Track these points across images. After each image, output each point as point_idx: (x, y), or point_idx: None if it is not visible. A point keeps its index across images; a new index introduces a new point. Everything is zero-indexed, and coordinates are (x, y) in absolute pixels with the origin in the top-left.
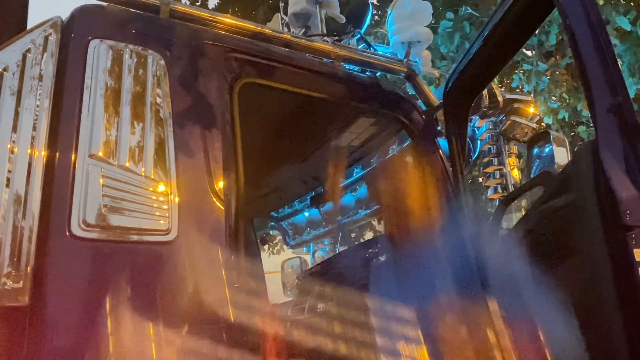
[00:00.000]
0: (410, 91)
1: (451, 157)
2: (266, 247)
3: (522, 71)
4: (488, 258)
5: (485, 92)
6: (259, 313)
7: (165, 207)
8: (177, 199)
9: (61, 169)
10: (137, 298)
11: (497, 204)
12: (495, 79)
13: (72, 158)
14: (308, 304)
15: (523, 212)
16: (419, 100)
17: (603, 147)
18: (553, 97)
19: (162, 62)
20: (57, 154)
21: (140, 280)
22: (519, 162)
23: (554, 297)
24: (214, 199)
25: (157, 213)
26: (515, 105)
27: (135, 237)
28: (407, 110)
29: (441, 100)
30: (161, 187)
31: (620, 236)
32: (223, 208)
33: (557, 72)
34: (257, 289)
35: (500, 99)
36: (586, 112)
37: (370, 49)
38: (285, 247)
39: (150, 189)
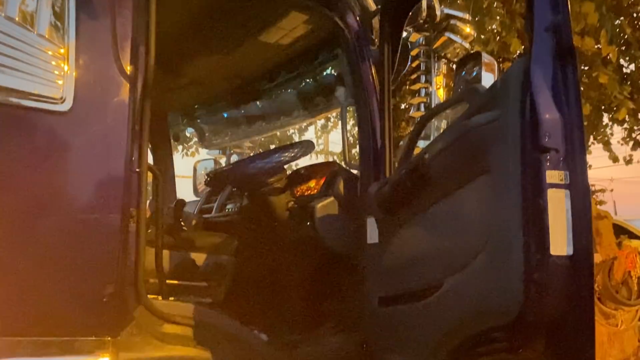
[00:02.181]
0: None
1: (380, 68)
2: (180, 147)
3: None
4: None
5: (424, 3)
6: (161, 203)
7: (60, 72)
8: (74, 67)
9: None
10: (21, 167)
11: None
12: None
13: None
14: (216, 203)
15: None
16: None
17: (535, 66)
18: (486, 29)
19: None
20: None
21: (24, 148)
22: (446, 82)
23: (461, 215)
24: (119, 74)
25: (50, 78)
26: (452, 21)
27: (21, 102)
28: (343, 12)
29: (379, 7)
30: (57, 50)
31: (535, 157)
32: (128, 85)
33: (495, 5)
34: (162, 177)
35: (438, 13)
36: (515, 50)
37: None
38: (200, 149)
39: (44, 49)
